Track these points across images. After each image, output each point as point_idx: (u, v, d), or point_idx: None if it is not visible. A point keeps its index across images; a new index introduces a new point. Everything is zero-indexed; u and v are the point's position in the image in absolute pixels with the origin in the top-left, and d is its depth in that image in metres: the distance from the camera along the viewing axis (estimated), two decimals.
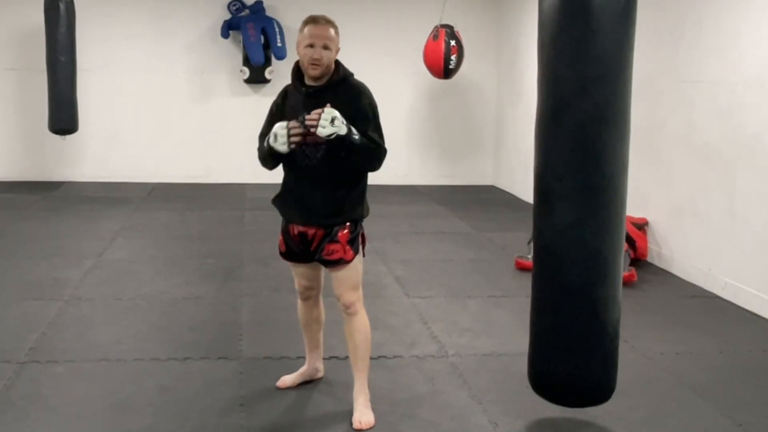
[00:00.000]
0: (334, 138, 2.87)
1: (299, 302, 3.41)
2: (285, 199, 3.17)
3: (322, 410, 3.30)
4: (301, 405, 3.33)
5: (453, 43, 7.69)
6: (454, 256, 6.03)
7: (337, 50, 3.04)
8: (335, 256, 3.07)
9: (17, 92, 8.71)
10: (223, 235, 6.53)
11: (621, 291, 2.85)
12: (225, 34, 8.81)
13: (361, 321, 3.17)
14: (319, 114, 2.86)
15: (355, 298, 3.14)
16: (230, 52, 8.98)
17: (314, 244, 3.10)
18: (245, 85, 9.03)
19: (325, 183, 3.05)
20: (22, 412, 3.18)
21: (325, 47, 2.97)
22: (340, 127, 2.87)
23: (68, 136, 8.09)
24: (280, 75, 8.72)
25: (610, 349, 2.85)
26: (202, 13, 8.91)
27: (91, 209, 7.39)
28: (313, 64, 2.97)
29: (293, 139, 2.92)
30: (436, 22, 7.78)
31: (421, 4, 8.74)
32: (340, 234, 3.06)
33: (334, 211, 3.06)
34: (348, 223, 3.09)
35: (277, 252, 3.30)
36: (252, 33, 8.54)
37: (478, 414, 3.30)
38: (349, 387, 3.42)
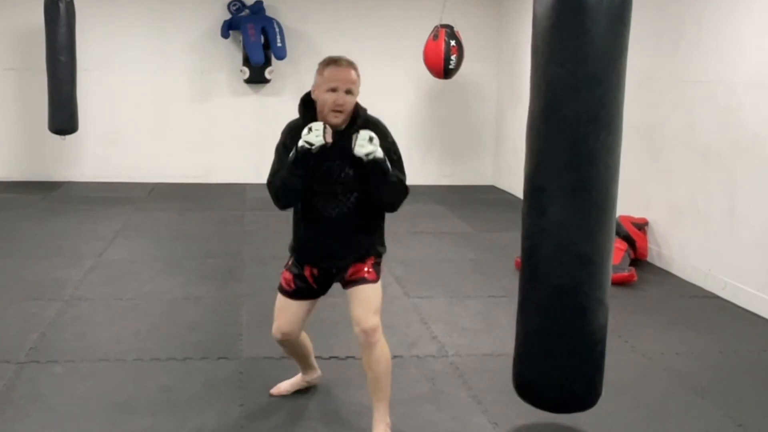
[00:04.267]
0: (371, 159, 2.73)
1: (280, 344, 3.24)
2: (308, 249, 3.03)
3: (322, 410, 3.30)
4: (301, 405, 3.33)
5: (453, 43, 7.69)
6: (454, 256, 6.03)
7: (359, 93, 2.86)
8: (358, 275, 2.94)
9: (17, 92, 8.71)
10: (223, 235, 6.53)
11: (609, 294, 2.79)
12: (225, 34, 8.80)
13: (382, 351, 2.91)
14: (355, 137, 2.74)
15: (375, 323, 2.89)
16: (230, 52, 8.98)
17: (337, 276, 3.02)
18: (245, 85, 9.02)
19: (353, 230, 2.94)
20: (22, 412, 3.18)
21: (348, 92, 2.79)
22: (378, 148, 2.75)
23: (68, 136, 8.09)
24: (280, 75, 8.73)
25: (595, 353, 2.79)
26: (202, 13, 8.90)
27: (91, 209, 7.39)
28: (335, 111, 2.79)
29: (328, 135, 2.73)
30: (436, 22, 7.78)
31: (421, 4, 8.73)
32: (366, 257, 2.98)
33: (363, 252, 2.98)
34: (373, 256, 3.00)
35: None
36: (252, 33, 8.53)
37: (478, 414, 3.30)
38: (348, 386, 3.43)
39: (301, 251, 3.05)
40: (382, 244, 3.09)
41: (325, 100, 2.81)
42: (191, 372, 3.65)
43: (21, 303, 4.57)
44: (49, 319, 4.29)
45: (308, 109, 2.91)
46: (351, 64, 2.86)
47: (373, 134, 2.75)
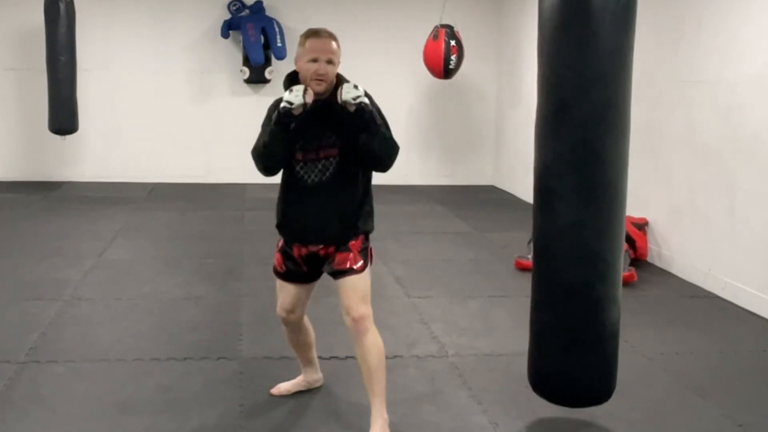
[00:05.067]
0: (359, 105, 2.77)
1: (284, 327, 3.27)
2: (293, 221, 3.04)
3: (321, 410, 3.30)
4: (301, 405, 3.33)
5: (453, 43, 7.70)
6: (454, 256, 6.03)
7: (339, 63, 2.94)
8: (345, 266, 2.94)
9: (17, 92, 8.71)
10: (223, 235, 6.53)
11: (621, 291, 2.85)
12: (225, 34, 8.81)
13: (374, 340, 2.92)
14: (340, 88, 2.81)
15: (365, 311, 2.92)
16: (230, 52, 8.98)
17: (326, 260, 3.01)
18: (245, 85, 9.03)
19: (336, 199, 2.95)
20: (22, 412, 3.18)
21: (329, 62, 2.88)
22: (363, 94, 2.80)
23: (68, 136, 8.09)
24: (280, 75, 8.67)
25: (609, 348, 2.85)
26: (202, 13, 8.91)
27: (91, 209, 7.39)
28: (317, 80, 2.87)
29: (308, 96, 2.81)
30: (436, 22, 7.78)
31: (421, 4, 8.74)
32: (351, 243, 2.96)
33: (348, 226, 2.97)
34: (361, 235, 3.00)
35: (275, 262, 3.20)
36: (252, 33, 8.54)
37: (478, 414, 3.30)
38: (349, 386, 3.43)
39: (284, 224, 3.07)
40: (371, 219, 3.06)
41: (307, 69, 2.89)
42: (191, 372, 3.65)
43: (21, 303, 4.57)
44: (49, 319, 4.29)
45: (293, 83, 2.98)
46: (331, 35, 2.94)
47: (358, 85, 2.82)
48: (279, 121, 2.88)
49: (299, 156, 2.96)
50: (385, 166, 2.95)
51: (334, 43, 2.92)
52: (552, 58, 2.67)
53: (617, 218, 2.75)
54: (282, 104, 2.84)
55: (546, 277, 2.85)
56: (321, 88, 2.89)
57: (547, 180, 2.77)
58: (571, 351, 2.81)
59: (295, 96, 2.81)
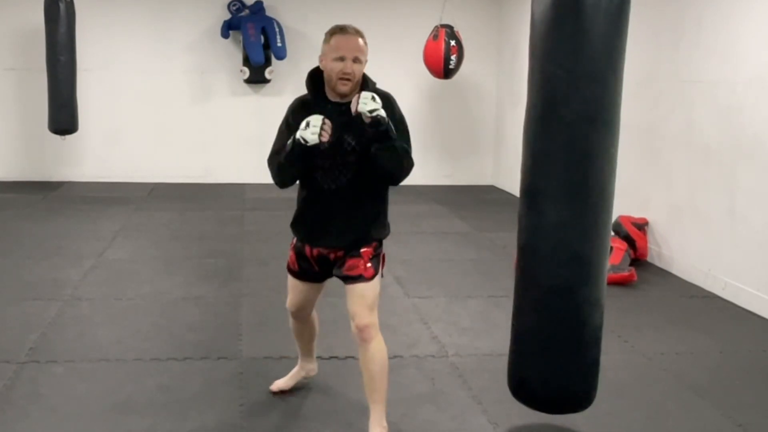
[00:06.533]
0: (375, 117, 2.64)
1: (291, 318, 3.29)
2: (306, 223, 3.00)
3: (321, 410, 3.30)
4: (301, 405, 3.33)
5: (453, 43, 7.70)
6: (454, 256, 6.03)
7: (366, 62, 2.82)
8: (356, 272, 2.89)
9: (17, 92, 8.71)
10: (223, 235, 6.53)
11: (605, 294, 2.78)
12: (225, 34, 8.81)
13: (378, 348, 2.88)
14: (357, 96, 2.65)
15: (371, 320, 2.87)
16: (230, 52, 8.98)
17: (336, 263, 2.98)
18: (245, 85, 9.03)
19: (351, 205, 2.89)
20: (22, 412, 3.18)
21: (356, 60, 2.76)
22: (380, 107, 2.65)
23: (68, 136, 8.09)
24: (280, 75, 8.73)
25: (590, 354, 2.78)
26: (202, 13, 8.90)
27: (91, 209, 7.39)
28: (342, 80, 2.76)
29: (324, 134, 2.67)
30: (436, 22, 7.78)
31: (421, 4, 8.73)
32: (363, 250, 2.92)
33: (361, 233, 2.92)
34: (374, 242, 2.95)
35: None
36: (252, 33, 8.54)
37: (478, 414, 3.30)
38: (348, 386, 3.43)
39: (298, 223, 3.03)
40: (384, 226, 3.02)
41: (332, 68, 2.78)
42: (191, 372, 3.65)
43: (21, 303, 4.57)
44: (49, 319, 4.29)
45: (315, 82, 2.88)
46: (358, 32, 2.82)
47: (376, 96, 2.69)
48: (293, 150, 2.76)
49: (317, 161, 2.86)
50: (394, 179, 2.87)
51: (361, 41, 2.80)
52: (543, 56, 2.63)
53: (603, 219, 2.69)
54: (298, 135, 2.71)
55: (528, 277, 2.78)
56: (347, 88, 2.79)
57: (533, 179, 2.74)
58: (551, 355, 2.74)
59: (311, 134, 2.68)
